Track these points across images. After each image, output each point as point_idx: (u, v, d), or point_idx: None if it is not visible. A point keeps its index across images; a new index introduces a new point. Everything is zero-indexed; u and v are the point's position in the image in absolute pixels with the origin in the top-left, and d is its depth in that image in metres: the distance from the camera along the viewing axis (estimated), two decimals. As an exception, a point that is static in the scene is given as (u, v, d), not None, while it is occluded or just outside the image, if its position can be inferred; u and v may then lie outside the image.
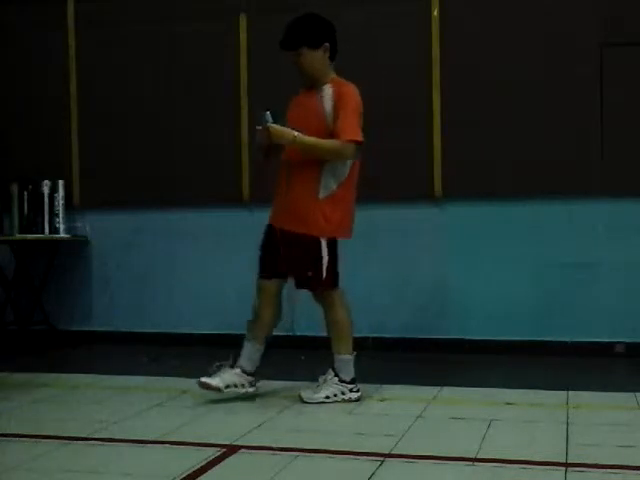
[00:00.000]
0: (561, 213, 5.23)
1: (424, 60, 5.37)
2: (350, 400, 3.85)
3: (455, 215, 5.39)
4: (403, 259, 5.47)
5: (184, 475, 2.79)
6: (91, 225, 6.06)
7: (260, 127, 3.70)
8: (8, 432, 3.40)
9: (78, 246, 6.04)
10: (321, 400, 3.81)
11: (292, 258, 3.80)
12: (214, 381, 3.80)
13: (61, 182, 5.88)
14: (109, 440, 3.26)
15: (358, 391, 3.90)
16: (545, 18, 5.23)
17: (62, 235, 5.88)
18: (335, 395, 3.84)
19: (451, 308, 5.38)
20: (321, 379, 3.90)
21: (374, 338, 5.49)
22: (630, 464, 2.86)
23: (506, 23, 5.29)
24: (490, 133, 5.28)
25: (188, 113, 5.80)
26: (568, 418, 3.53)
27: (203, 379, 3.81)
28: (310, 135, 3.69)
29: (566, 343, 5.21)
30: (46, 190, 5.84)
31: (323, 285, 3.84)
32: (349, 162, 3.81)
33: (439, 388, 4.18)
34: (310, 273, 3.79)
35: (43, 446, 3.17)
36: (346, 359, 3.90)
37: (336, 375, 3.86)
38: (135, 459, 3.03)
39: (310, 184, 3.75)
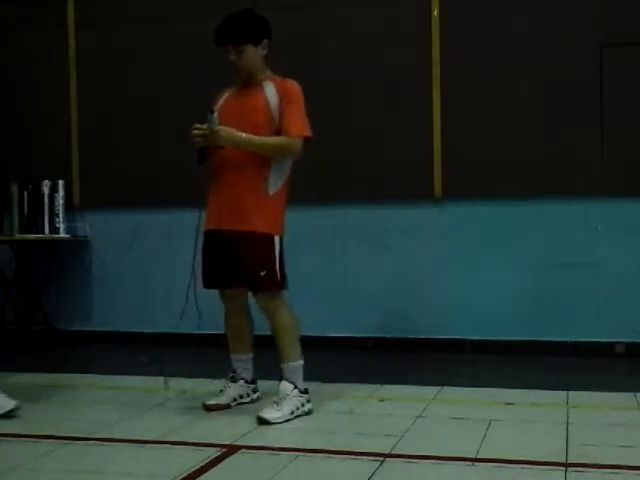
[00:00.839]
0: (561, 213, 5.23)
1: (424, 60, 5.37)
2: (306, 413, 3.62)
3: (455, 215, 5.39)
4: (403, 259, 5.46)
5: (184, 475, 2.79)
6: (91, 225, 6.06)
7: (203, 128, 3.55)
8: (8, 432, 3.41)
9: (78, 246, 6.04)
10: (287, 418, 3.52)
11: (243, 259, 3.61)
12: (221, 400, 3.80)
13: (61, 182, 5.88)
14: (109, 440, 3.26)
15: (309, 402, 3.67)
16: (545, 18, 5.23)
17: (62, 235, 5.88)
18: (297, 408, 3.58)
19: (451, 308, 5.38)
20: (280, 394, 3.60)
21: (374, 338, 5.50)
22: (630, 464, 2.86)
23: (506, 23, 5.28)
24: (490, 133, 5.28)
25: (188, 113, 5.77)
26: (568, 418, 3.53)
27: (209, 402, 3.78)
28: (257, 131, 3.57)
29: (566, 343, 5.21)
30: (46, 190, 5.83)
31: (277, 285, 3.64)
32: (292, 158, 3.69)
33: (439, 388, 4.18)
34: (263, 272, 3.58)
35: (43, 446, 3.17)
36: (297, 365, 3.65)
37: (295, 387, 3.61)
38: (135, 459, 3.03)
39: (258, 182, 3.60)
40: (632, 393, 3.99)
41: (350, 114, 5.46)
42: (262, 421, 3.50)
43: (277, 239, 3.64)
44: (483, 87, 5.31)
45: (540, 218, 5.26)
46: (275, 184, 3.64)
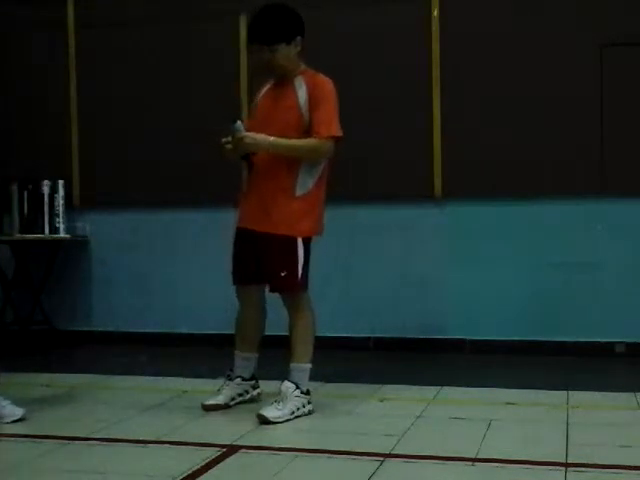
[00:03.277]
0: (561, 213, 5.23)
1: (424, 60, 5.37)
2: (306, 414, 3.62)
3: (455, 215, 5.39)
4: (403, 259, 5.46)
5: (184, 475, 2.80)
6: (91, 225, 6.05)
7: (231, 138, 3.57)
8: (8, 432, 3.40)
9: (78, 246, 6.03)
10: (287, 418, 3.53)
11: (267, 259, 3.65)
12: (219, 399, 3.79)
13: (61, 182, 5.87)
14: (109, 440, 3.26)
15: (310, 403, 3.67)
16: (545, 18, 5.23)
17: (62, 235, 5.87)
18: (298, 409, 3.58)
19: (451, 308, 5.38)
20: (281, 393, 3.61)
21: (374, 338, 5.50)
22: (630, 464, 2.86)
23: (506, 23, 5.28)
24: (490, 133, 5.28)
25: (188, 113, 5.79)
26: (568, 418, 3.53)
27: (208, 402, 3.78)
28: (288, 130, 3.56)
29: (566, 343, 5.21)
30: (46, 190, 5.83)
31: (298, 286, 3.66)
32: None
33: (439, 388, 4.18)
34: (284, 273, 3.60)
35: (43, 446, 3.17)
36: (306, 368, 3.67)
37: (297, 387, 3.61)
38: (135, 459, 3.03)
39: (286, 183, 3.60)
40: (632, 393, 3.99)
41: (350, 114, 5.43)
42: (262, 419, 3.50)
43: (300, 241, 3.63)
44: (483, 87, 5.30)
45: (540, 218, 5.26)
46: (304, 185, 3.62)
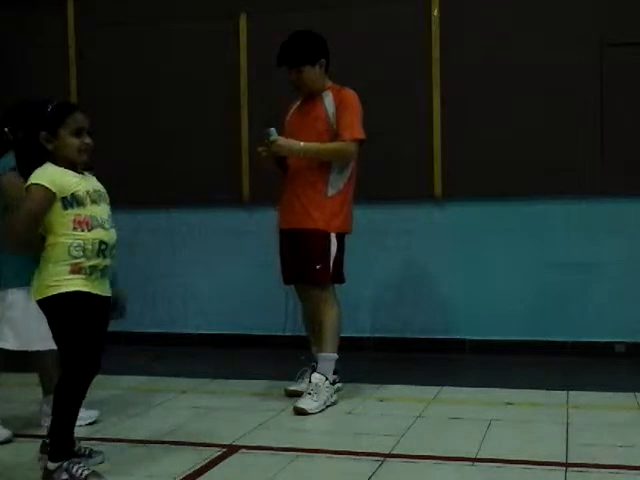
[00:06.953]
0: (561, 213, 5.23)
1: (424, 60, 5.37)
2: (333, 403, 3.81)
3: (455, 215, 5.39)
4: (403, 259, 5.46)
5: (184, 475, 2.80)
6: (91, 225, 6.04)
7: (265, 144, 3.85)
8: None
9: (78, 246, 6.02)
10: (321, 408, 3.71)
11: (301, 254, 3.89)
12: (302, 387, 3.89)
13: (61, 182, 5.87)
14: (109, 440, 3.26)
15: (336, 392, 3.90)
16: (545, 18, 5.22)
17: (62, 235, 5.86)
18: (327, 399, 3.78)
19: (451, 308, 5.38)
20: (312, 384, 3.78)
21: (374, 338, 5.50)
22: (630, 464, 2.87)
23: (506, 23, 5.28)
24: (490, 133, 5.28)
25: (188, 113, 5.79)
26: (568, 418, 3.54)
27: (290, 388, 3.96)
28: (319, 138, 3.87)
29: (566, 343, 5.21)
30: (46, 190, 5.82)
31: (328, 278, 3.89)
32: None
33: (439, 388, 4.18)
34: (319, 266, 3.85)
35: (43, 446, 3.17)
36: (333, 357, 3.88)
37: (327, 379, 3.80)
38: (135, 459, 3.04)
39: (318, 185, 3.90)
40: (632, 393, 3.99)
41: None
42: (299, 411, 3.64)
43: (333, 236, 3.92)
44: (483, 87, 5.30)
45: (540, 218, 5.25)
46: (335, 185, 3.94)
